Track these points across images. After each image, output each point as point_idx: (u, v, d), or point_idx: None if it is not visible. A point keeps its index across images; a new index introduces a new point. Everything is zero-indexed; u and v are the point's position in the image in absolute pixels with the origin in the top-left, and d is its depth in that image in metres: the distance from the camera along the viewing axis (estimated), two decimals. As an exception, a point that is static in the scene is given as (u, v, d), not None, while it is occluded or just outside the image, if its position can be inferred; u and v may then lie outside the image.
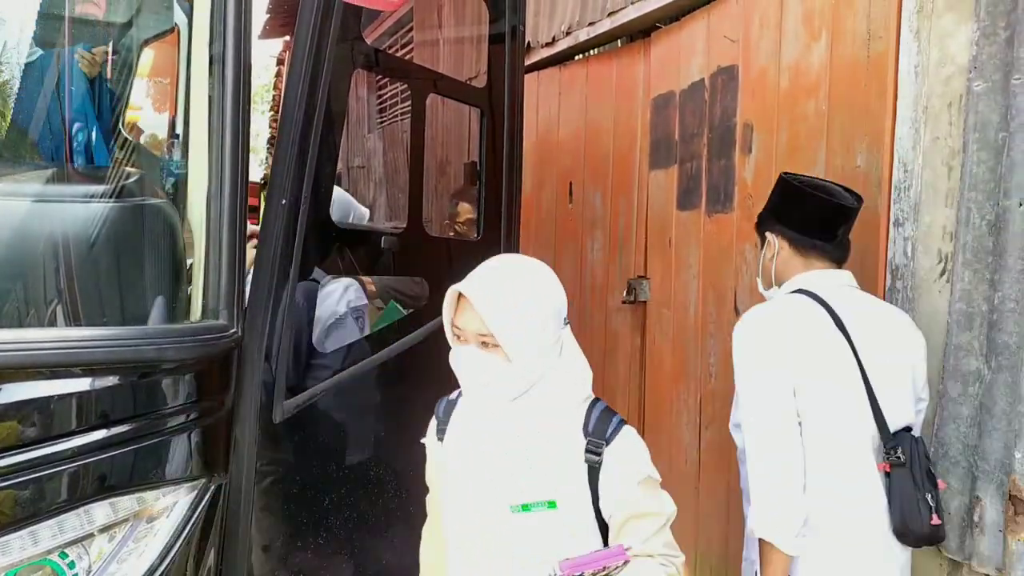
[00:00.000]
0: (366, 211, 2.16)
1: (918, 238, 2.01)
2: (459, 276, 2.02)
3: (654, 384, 3.41)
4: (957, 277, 1.88)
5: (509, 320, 1.32)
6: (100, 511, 1.36)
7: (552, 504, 1.38)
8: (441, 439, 1.53)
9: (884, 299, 2.11)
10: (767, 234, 1.92)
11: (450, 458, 1.50)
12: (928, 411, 1.94)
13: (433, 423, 1.56)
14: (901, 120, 2.06)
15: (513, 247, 2.24)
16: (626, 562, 1.30)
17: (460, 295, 1.37)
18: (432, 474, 1.59)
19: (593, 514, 1.40)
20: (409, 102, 2.04)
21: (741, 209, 2.77)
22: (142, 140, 2.38)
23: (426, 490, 1.60)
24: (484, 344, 1.35)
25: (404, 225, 1.99)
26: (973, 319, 1.85)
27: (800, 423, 1.69)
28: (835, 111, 2.33)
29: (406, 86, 2.08)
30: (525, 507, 1.38)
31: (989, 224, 1.81)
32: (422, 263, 2.05)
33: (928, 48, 1.97)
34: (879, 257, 2.14)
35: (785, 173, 1.98)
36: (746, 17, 2.74)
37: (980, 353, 1.84)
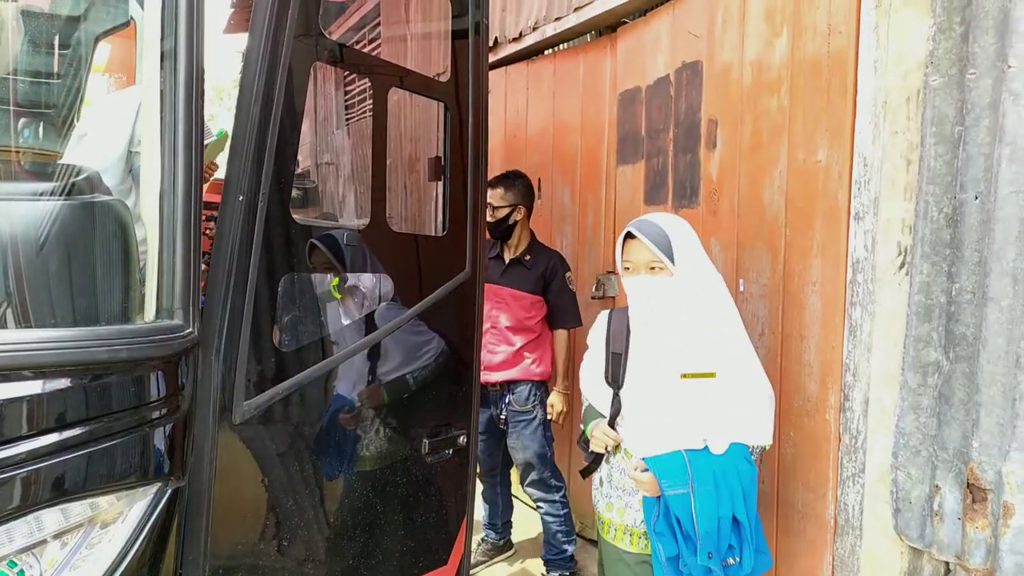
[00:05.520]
0: None
1: (878, 231, 2.03)
2: (425, 271, 1.99)
3: (623, 379, 3.41)
4: (916, 270, 1.90)
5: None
6: (51, 518, 1.32)
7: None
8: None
9: (845, 292, 2.14)
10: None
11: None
12: (888, 402, 1.99)
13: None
14: (861, 115, 2.08)
15: (479, 242, 2.22)
16: None
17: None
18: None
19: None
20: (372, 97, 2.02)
21: (707, 203, 2.78)
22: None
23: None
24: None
25: (368, 221, 1.96)
26: (932, 311, 1.87)
27: None
28: (797, 106, 2.34)
29: (368, 80, 2.05)
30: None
31: (947, 217, 1.84)
32: (387, 259, 2.02)
33: (887, 43, 2.00)
34: (840, 250, 2.17)
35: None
36: (710, 12, 2.75)
37: (939, 344, 1.86)
